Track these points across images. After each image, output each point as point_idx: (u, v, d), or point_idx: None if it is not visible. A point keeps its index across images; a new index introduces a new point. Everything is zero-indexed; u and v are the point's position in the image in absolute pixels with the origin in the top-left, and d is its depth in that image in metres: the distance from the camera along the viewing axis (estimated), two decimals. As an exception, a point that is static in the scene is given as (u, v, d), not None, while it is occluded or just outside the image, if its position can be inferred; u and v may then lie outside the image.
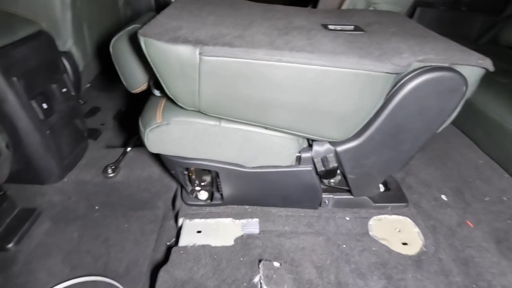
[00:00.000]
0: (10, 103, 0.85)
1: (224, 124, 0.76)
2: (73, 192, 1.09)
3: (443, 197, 1.02)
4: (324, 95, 0.67)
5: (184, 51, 0.61)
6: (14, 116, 0.87)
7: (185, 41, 0.62)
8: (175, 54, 0.62)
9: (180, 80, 0.65)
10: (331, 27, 0.83)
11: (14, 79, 0.85)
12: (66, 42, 1.11)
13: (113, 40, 0.78)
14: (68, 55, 1.14)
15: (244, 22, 0.76)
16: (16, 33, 0.91)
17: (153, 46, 0.61)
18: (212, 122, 0.76)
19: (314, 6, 1.72)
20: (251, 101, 0.68)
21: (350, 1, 1.18)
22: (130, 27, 0.77)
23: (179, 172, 0.91)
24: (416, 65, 0.69)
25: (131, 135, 1.44)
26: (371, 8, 1.17)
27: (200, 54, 0.61)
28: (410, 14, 1.61)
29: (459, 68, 0.70)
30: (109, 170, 1.14)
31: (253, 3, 1.00)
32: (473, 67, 0.70)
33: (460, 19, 1.67)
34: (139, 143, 1.10)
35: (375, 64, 0.64)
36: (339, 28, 0.84)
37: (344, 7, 1.21)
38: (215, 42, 0.62)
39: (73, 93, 1.11)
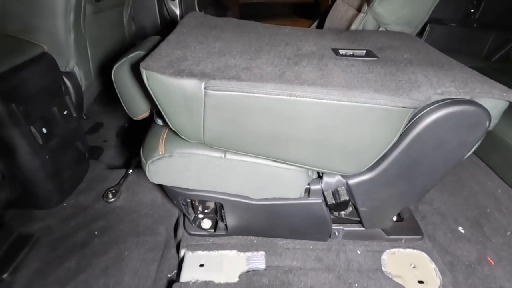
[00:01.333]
0: (8, 130, 0.82)
1: (230, 156, 0.72)
2: (72, 218, 1.05)
3: (460, 229, 0.97)
4: (337, 130, 0.63)
5: (189, 85, 0.58)
6: (13, 143, 0.84)
7: (190, 74, 0.58)
8: (179, 88, 0.58)
9: (184, 114, 0.62)
10: (342, 52, 0.80)
11: (13, 105, 0.82)
12: (69, 62, 1.08)
13: (115, 67, 0.74)
14: (70, 75, 1.12)
15: (251, 49, 0.73)
16: (19, 56, 0.89)
17: (156, 80, 0.58)
18: (217, 154, 0.72)
19: (321, 22, 1.70)
20: (259, 135, 0.64)
21: (360, 21, 1.15)
22: (133, 54, 0.74)
23: (181, 203, 0.86)
24: (435, 97, 0.65)
25: (134, 153, 1.41)
26: (381, 29, 1.14)
27: (205, 88, 0.58)
28: (420, 31, 1.57)
29: (481, 100, 0.66)
30: (110, 195, 1.10)
31: (260, 24, 0.97)
32: (496, 99, 0.66)
33: (471, 36, 1.63)
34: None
35: (392, 98, 0.60)
36: (350, 53, 0.80)
37: (353, 27, 1.18)
38: (222, 75, 0.59)
39: (74, 115, 1.08)
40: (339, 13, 1.42)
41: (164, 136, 0.75)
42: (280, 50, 0.74)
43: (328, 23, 1.51)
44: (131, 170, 1.22)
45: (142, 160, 0.76)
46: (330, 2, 1.68)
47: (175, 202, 0.88)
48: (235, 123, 0.62)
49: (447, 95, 0.64)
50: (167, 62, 0.60)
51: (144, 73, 0.58)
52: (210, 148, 0.72)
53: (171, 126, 0.65)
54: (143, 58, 0.64)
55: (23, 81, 0.87)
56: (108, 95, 1.71)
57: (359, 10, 1.23)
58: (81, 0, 1.02)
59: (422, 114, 0.66)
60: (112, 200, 1.10)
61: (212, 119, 0.62)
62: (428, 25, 1.59)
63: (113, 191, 1.12)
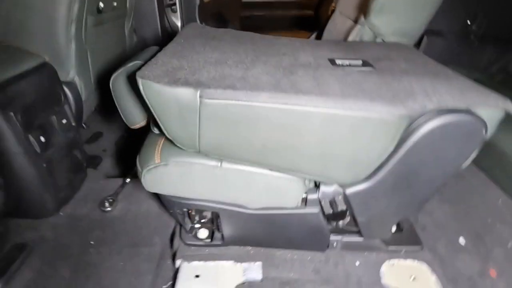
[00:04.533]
0: (5, 138, 0.82)
1: (226, 165, 0.72)
2: (67, 227, 1.04)
3: (461, 240, 0.95)
4: (332, 139, 0.63)
5: (184, 94, 0.58)
6: (10, 151, 0.85)
7: (185, 83, 0.58)
8: (174, 97, 0.58)
9: (179, 122, 0.62)
10: (338, 61, 0.80)
11: (11, 114, 0.82)
12: (69, 73, 1.10)
13: (113, 76, 0.75)
14: (70, 85, 1.13)
15: (248, 59, 0.74)
16: (19, 66, 0.90)
17: (151, 89, 0.58)
18: (213, 163, 0.72)
19: (320, 33, 1.72)
20: (255, 144, 0.64)
21: (357, 33, 1.17)
22: (131, 64, 0.75)
23: (177, 212, 0.86)
24: (431, 106, 0.65)
25: (132, 162, 1.40)
26: (378, 40, 1.15)
27: (200, 97, 0.58)
28: (417, 43, 1.59)
29: (477, 109, 0.66)
30: (106, 204, 1.09)
31: (258, 35, 0.99)
32: (492, 109, 0.66)
33: (468, 48, 1.64)
34: (139, 175, 1.07)
35: (387, 107, 0.60)
36: (347, 63, 0.81)
37: (350, 38, 1.19)
38: (217, 84, 0.59)
39: (73, 124, 1.09)
40: (336, 25, 1.45)
41: (160, 145, 0.75)
42: (276, 60, 0.75)
43: (326, 34, 1.53)
44: (128, 180, 1.22)
45: (138, 168, 0.76)
46: (329, 14, 1.71)
47: (171, 211, 0.87)
48: (231, 132, 0.62)
49: (443, 104, 0.64)
50: (163, 71, 0.61)
51: (140, 81, 0.58)
52: (206, 157, 0.71)
53: (166, 135, 0.66)
54: (140, 67, 0.64)
55: (22, 90, 0.88)
56: (108, 105, 1.73)
57: (356, 21, 1.24)
58: (83, 12, 1.05)
59: (418, 124, 0.66)
60: (109, 209, 1.09)
61: (208, 128, 0.62)
62: (425, 37, 1.60)
63: (110, 200, 1.11)
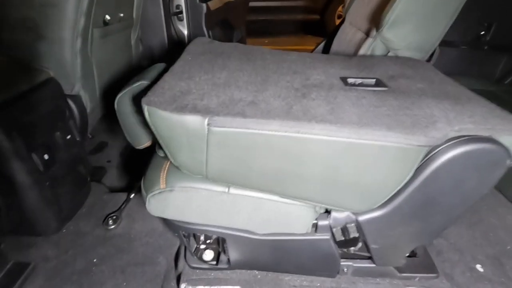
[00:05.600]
0: (9, 158, 0.80)
1: (234, 191, 0.69)
2: (70, 245, 1.02)
3: (479, 267, 0.90)
4: (347, 168, 0.60)
5: (192, 121, 0.55)
6: (12, 171, 0.82)
7: (193, 110, 0.56)
8: (181, 124, 0.56)
9: (186, 150, 0.59)
10: (350, 80, 0.77)
11: (15, 133, 0.80)
12: (74, 86, 1.08)
13: (118, 97, 0.73)
14: (75, 98, 1.11)
15: (258, 79, 0.71)
16: (25, 84, 0.89)
17: (157, 116, 0.56)
18: (220, 189, 0.69)
19: (328, 42, 1.68)
20: (265, 173, 0.61)
21: (368, 46, 1.13)
22: (136, 84, 0.72)
23: (182, 235, 0.83)
24: (452, 134, 0.61)
25: (136, 176, 1.38)
26: (390, 53, 1.11)
27: (208, 124, 0.55)
28: (430, 54, 1.54)
29: (500, 137, 0.62)
30: (110, 221, 1.07)
31: (266, 50, 0.96)
32: (517, 137, 0.62)
33: (482, 59, 1.60)
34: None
35: (406, 136, 0.56)
36: (359, 82, 0.78)
37: (362, 51, 1.15)
38: (226, 111, 0.56)
39: (78, 139, 1.07)
40: (347, 36, 1.41)
41: (166, 169, 0.72)
42: (287, 80, 0.72)
43: (335, 45, 1.50)
44: (132, 195, 1.20)
45: (143, 192, 0.73)
46: (337, 23, 1.67)
47: (176, 234, 0.84)
48: (240, 160, 0.59)
49: (465, 132, 0.60)
50: (170, 97, 0.58)
51: (145, 108, 0.56)
52: (213, 182, 0.68)
53: (172, 161, 0.63)
54: (146, 88, 0.62)
55: (26, 108, 0.86)
56: (114, 115, 1.71)
57: (367, 34, 1.21)
58: (89, 26, 1.03)
59: (438, 151, 0.62)
60: (112, 227, 1.06)
61: (216, 156, 0.59)
62: (437, 47, 1.56)
63: (114, 217, 1.08)
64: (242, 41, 2.60)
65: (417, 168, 0.64)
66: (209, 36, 1.93)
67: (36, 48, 0.94)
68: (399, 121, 0.59)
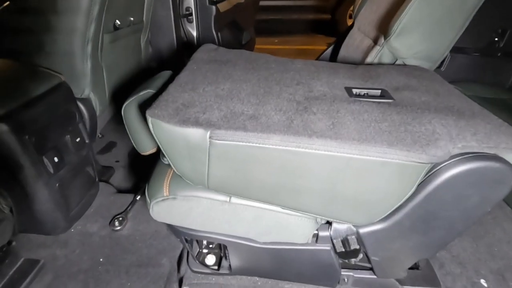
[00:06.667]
0: (20, 162, 0.83)
1: (235, 201, 0.70)
2: (77, 244, 1.05)
3: (483, 282, 0.89)
4: (347, 183, 0.60)
5: (194, 134, 0.57)
6: (23, 175, 0.86)
7: (195, 123, 0.57)
8: (183, 137, 0.57)
9: (188, 161, 0.60)
10: (355, 91, 0.77)
11: (26, 137, 0.83)
12: (84, 90, 1.11)
13: (124, 105, 0.75)
14: (85, 101, 1.14)
15: (260, 91, 0.72)
16: (37, 88, 0.92)
17: (161, 128, 0.57)
18: (221, 198, 0.70)
19: (337, 47, 1.67)
20: (265, 185, 0.62)
21: (376, 54, 1.12)
22: (143, 93, 0.74)
23: (185, 239, 0.85)
24: (455, 151, 0.61)
25: (143, 176, 1.41)
26: (398, 62, 1.10)
27: (210, 137, 0.56)
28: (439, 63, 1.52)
29: (506, 155, 0.61)
30: (116, 223, 1.10)
31: (272, 58, 0.96)
32: (523, 155, 0.61)
33: (494, 66, 1.56)
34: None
35: (406, 153, 0.56)
36: (365, 93, 0.78)
37: (369, 59, 1.15)
38: (228, 125, 0.57)
39: (87, 141, 1.09)
40: (354, 42, 1.40)
41: (169, 177, 0.74)
42: (290, 92, 0.72)
43: (343, 51, 1.49)
44: (139, 197, 1.22)
45: (147, 199, 0.75)
46: (349, 24, 1.66)
47: (179, 239, 0.86)
48: (240, 172, 0.60)
49: (468, 150, 0.60)
50: (173, 109, 0.59)
51: (150, 120, 0.57)
52: (215, 192, 0.70)
53: (175, 170, 0.64)
54: (152, 97, 0.63)
55: (37, 113, 0.88)
56: (123, 115, 1.74)
57: (375, 41, 1.20)
58: (99, 32, 1.05)
59: (442, 168, 0.62)
60: (118, 228, 1.09)
61: (217, 168, 0.60)
62: (448, 54, 1.53)
63: (120, 219, 1.11)
64: (251, 42, 2.60)
65: (420, 184, 0.63)
66: (217, 38, 1.94)
67: (47, 54, 0.97)
68: (399, 138, 0.58)
